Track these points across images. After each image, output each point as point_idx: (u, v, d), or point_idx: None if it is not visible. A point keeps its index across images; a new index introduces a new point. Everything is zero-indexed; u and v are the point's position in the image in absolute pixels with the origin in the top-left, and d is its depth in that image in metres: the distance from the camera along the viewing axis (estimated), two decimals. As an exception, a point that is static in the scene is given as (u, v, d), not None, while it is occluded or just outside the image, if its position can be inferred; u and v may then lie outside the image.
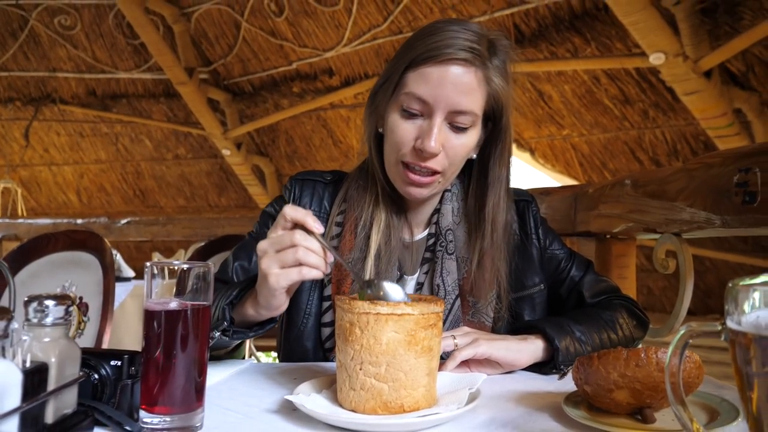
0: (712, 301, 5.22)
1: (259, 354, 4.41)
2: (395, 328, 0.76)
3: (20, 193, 7.13)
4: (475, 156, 1.18)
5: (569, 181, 5.47)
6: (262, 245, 0.92)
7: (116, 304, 2.30)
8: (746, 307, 0.53)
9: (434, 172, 1.09)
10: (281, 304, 0.95)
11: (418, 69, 1.06)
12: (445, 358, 1.00)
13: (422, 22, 5.01)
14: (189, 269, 0.75)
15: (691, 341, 0.59)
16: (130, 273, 3.51)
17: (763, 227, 1.06)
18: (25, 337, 0.63)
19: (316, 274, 0.90)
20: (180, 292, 0.75)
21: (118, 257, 3.38)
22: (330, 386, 0.88)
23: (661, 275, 5.33)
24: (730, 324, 0.54)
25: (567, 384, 0.95)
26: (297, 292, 1.17)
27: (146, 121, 7.00)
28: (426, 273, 1.20)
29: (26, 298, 0.64)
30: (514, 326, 1.18)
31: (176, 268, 0.75)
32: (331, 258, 0.91)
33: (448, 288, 1.17)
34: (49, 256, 1.93)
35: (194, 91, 6.10)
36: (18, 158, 7.67)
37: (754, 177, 1.04)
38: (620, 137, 5.16)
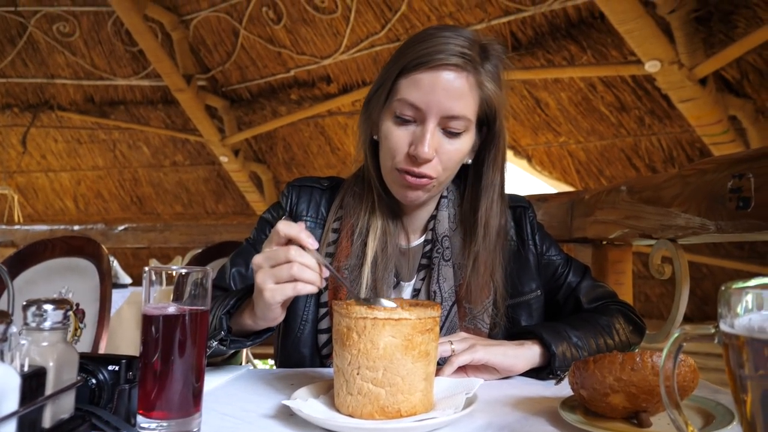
0: (709, 308, 5.22)
1: (256, 362, 4.39)
2: (392, 332, 0.77)
3: (17, 199, 7.13)
4: (470, 161, 1.18)
5: (566, 188, 5.49)
6: (257, 259, 0.92)
7: (113, 310, 2.30)
8: (739, 310, 0.53)
9: (429, 178, 1.10)
10: (277, 316, 0.95)
11: (410, 75, 1.06)
12: (442, 363, 1.00)
13: (419, 29, 5.03)
14: (187, 274, 0.76)
15: (687, 346, 0.60)
16: (127, 280, 3.50)
17: (756, 232, 1.07)
18: (23, 341, 0.63)
19: (311, 289, 0.90)
20: (178, 297, 0.75)
21: (115, 264, 3.37)
22: (327, 391, 0.88)
23: (659, 282, 5.34)
24: (723, 327, 0.54)
25: (564, 389, 0.95)
26: (294, 299, 1.17)
27: (144, 128, 7.01)
28: (423, 279, 1.20)
29: (25, 303, 0.64)
30: (511, 331, 1.18)
31: (174, 273, 0.75)
32: (326, 273, 0.91)
33: (445, 294, 1.17)
34: (46, 263, 1.93)
35: (192, 98, 6.11)
36: (15, 165, 7.66)
37: (748, 183, 1.05)
38: (617, 144, 5.18)
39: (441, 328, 1.14)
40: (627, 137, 5.07)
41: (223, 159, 6.66)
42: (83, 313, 1.92)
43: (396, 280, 1.20)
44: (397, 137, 1.09)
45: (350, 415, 0.79)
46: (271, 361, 4.49)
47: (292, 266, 0.88)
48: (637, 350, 1.16)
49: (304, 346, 1.18)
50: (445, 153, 1.09)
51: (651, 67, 3.85)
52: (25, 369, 0.60)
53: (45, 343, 0.64)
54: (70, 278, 1.93)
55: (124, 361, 0.75)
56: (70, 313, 0.67)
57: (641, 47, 3.80)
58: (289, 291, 0.89)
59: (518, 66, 4.84)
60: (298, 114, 6.18)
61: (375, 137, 1.17)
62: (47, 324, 0.64)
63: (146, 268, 0.74)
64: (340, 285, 1.15)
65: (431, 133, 1.06)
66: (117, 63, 6.53)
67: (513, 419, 0.81)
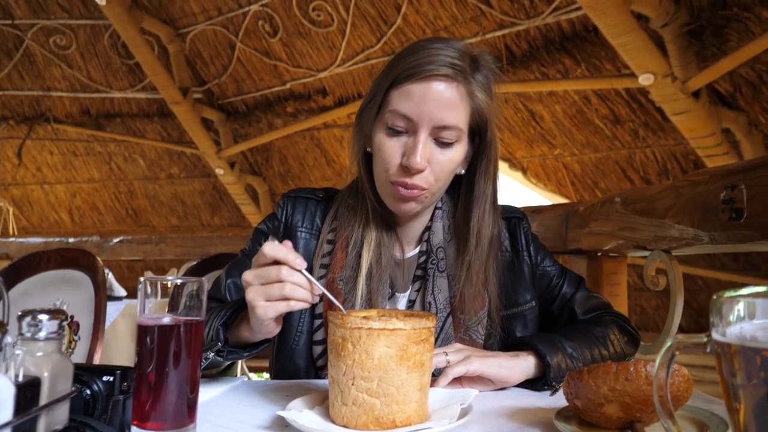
0: (705, 320, 5.22)
1: (251, 375, 4.37)
2: (387, 342, 0.77)
3: (11, 212, 7.10)
4: (463, 171, 1.19)
5: (561, 200, 5.50)
6: (246, 277, 0.92)
7: (107, 323, 2.29)
8: (731, 319, 0.53)
9: (421, 188, 1.10)
10: (273, 330, 0.95)
11: (401, 86, 1.07)
12: (437, 374, 1.00)
13: (415, 43, 5.05)
14: (182, 284, 0.76)
15: (683, 359, 0.60)
16: (122, 292, 3.49)
17: (749, 243, 1.07)
18: (18, 351, 0.63)
19: (303, 305, 0.90)
20: (173, 308, 0.75)
21: (110, 276, 3.36)
22: (322, 402, 0.88)
23: (654, 295, 5.34)
24: (716, 336, 0.55)
25: (558, 400, 0.95)
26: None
27: (140, 141, 7.01)
28: (418, 291, 1.20)
29: (20, 313, 0.64)
30: (506, 342, 1.18)
31: (169, 283, 0.75)
32: (318, 291, 0.91)
33: (440, 305, 1.17)
34: (41, 274, 1.92)
35: (188, 110, 6.12)
36: (10, 177, 7.64)
37: (740, 194, 1.06)
38: (611, 156, 5.20)
39: (436, 340, 1.14)
40: (621, 149, 5.10)
41: (219, 171, 6.67)
42: (78, 325, 1.91)
43: (391, 292, 1.20)
44: (390, 148, 1.09)
45: (345, 426, 0.79)
46: (266, 375, 4.47)
47: (284, 286, 0.88)
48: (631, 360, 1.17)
49: (299, 357, 1.18)
50: (438, 163, 1.09)
51: (644, 80, 3.87)
52: (20, 379, 0.60)
53: (40, 353, 0.64)
54: (65, 290, 1.92)
55: (118, 371, 0.74)
56: (65, 323, 0.67)
57: (635, 60, 3.83)
58: (281, 308, 0.90)
59: (513, 79, 4.87)
60: (294, 126, 6.20)
61: (368, 149, 1.18)
62: (42, 334, 0.64)
63: (142, 279, 0.74)
64: (336, 295, 1.15)
65: (423, 143, 1.07)
66: (113, 76, 6.54)
67: (508, 430, 0.81)
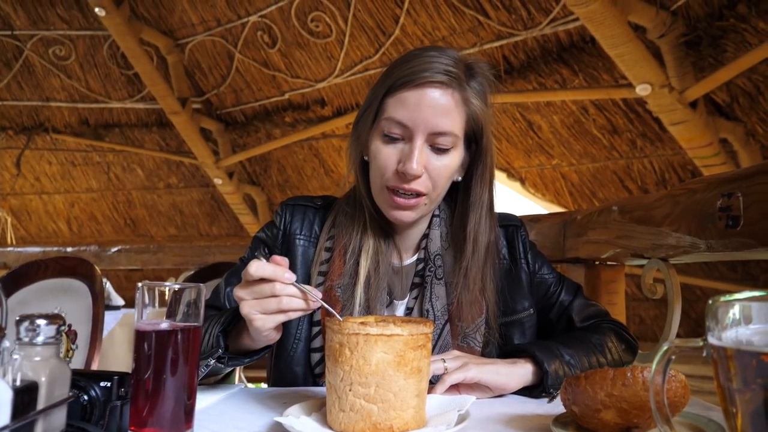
0: (703, 330, 5.17)
1: (249, 385, 4.35)
2: (384, 348, 0.77)
3: (9, 221, 7.09)
4: (459, 178, 1.19)
5: (559, 210, 5.51)
6: (239, 293, 0.92)
7: (105, 332, 2.28)
8: (726, 323, 0.54)
9: (418, 194, 1.11)
10: (273, 337, 0.96)
11: (396, 94, 1.08)
12: (434, 381, 1.00)
13: (413, 53, 5.07)
14: (180, 290, 0.76)
15: (682, 369, 0.60)
16: (120, 301, 3.48)
17: (746, 251, 1.08)
18: (15, 356, 0.63)
19: (300, 313, 0.91)
20: (171, 314, 0.75)
21: (108, 285, 3.35)
22: (320, 408, 0.88)
23: (653, 304, 5.34)
24: (712, 340, 0.55)
25: (556, 407, 0.95)
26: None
27: (138, 150, 7.01)
28: (416, 298, 1.21)
29: (18, 317, 0.64)
30: (503, 349, 1.18)
31: (168, 289, 0.75)
32: (313, 300, 0.91)
33: (438, 313, 1.17)
34: (39, 283, 1.92)
35: (187, 120, 6.13)
36: (8, 187, 7.64)
37: (737, 201, 1.07)
38: (609, 166, 5.22)
39: (434, 347, 1.14)
40: (619, 159, 5.11)
41: (218, 181, 6.67)
42: (75, 334, 1.90)
43: (389, 299, 1.20)
44: (386, 155, 1.10)
45: (343, 432, 0.79)
46: (263, 384, 4.45)
47: (280, 300, 0.89)
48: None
49: (297, 364, 1.18)
50: (434, 169, 1.10)
51: (642, 90, 3.89)
52: (17, 383, 0.60)
53: (37, 358, 0.64)
54: (63, 299, 1.92)
55: (116, 377, 0.74)
56: (63, 328, 0.67)
57: (632, 71, 3.85)
58: (280, 318, 0.90)
59: (511, 89, 4.89)
60: (293, 136, 6.21)
61: (365, 157, 1.18)
62: (40, 339, 0.64)
63: (140, 284, 0.75)
64: (333, 304, 1.15)
65: (419, 149, 1.07)
66: (112, 86, 6.56)
67: (506, 436, 0.81)
